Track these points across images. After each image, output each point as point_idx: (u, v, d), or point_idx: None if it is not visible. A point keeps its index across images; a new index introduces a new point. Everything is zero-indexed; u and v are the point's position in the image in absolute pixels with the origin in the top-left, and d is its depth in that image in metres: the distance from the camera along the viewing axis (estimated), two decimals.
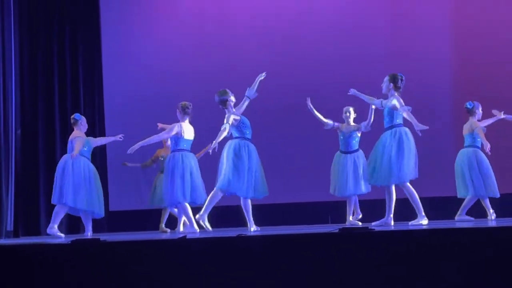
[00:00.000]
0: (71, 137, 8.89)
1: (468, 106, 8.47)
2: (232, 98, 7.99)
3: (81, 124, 8.92)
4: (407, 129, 7.70)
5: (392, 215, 7.71)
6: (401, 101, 7.70)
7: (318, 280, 5.57)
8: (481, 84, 9.88)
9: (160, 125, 8.92)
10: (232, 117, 7.88)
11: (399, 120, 7.71)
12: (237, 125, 7.91)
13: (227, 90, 8.01)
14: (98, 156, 10.81)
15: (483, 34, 10.16)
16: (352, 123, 8.94)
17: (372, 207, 8.57)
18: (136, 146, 8.26)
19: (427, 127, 7.57)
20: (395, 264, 5.49)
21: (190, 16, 10.94)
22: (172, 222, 9.35)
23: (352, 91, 8.33)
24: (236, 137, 7.94)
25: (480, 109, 8.50)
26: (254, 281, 5.67)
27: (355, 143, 8.89)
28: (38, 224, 9.98)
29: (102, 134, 10.78)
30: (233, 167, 7.81)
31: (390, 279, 5.47)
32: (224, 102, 7.98)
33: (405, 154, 7.59)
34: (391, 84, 7.80)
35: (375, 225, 7.65)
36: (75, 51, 10.84)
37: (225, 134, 7.95)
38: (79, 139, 8.76)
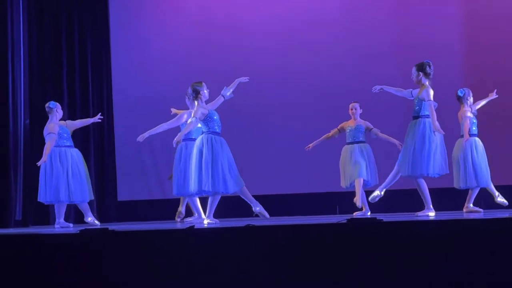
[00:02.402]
0: (44, 131, 8.74)
1: (460, 94, 8.34)
2: (206, 93, 7.87)
3: (56, 112, 8.77)
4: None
5: (431, 205, 7.67)
6: (431, 93, 7.58)
7: (326, 270, 5.58)
8: (491, 72, 9.84)
9: (173, 110, 8.89)
10: (200, 111, 7.74)
11: (427, 112, 7.61)
12: (204, 119, 7.76)
13: (203, 83, 7.93)
14: (107, 146, 10.86)
15: (494, 23, 10.11)
16: (358, 119, 8.98)
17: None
18: (146, 134, 8.26)
19: (443, 132, 7.53)
20: (403, 255, 5.48)
21: (199, 7, 10.94)
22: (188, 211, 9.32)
23: (378, 87, 8.22)
24: (203, 132, 7.80)
25: (471, 96, 8.40)
26: (261, 271, 5.67)
27: (362, 136, 8.89)
28: (47, 213, 10.01)
29: (111, 124, 10.81)
30: (198, 167, 7.67)
31: (398, 269, 5.47)
32: (196, 93, 7.85)
33: (425, 146, 7.54)
34: (420, 73, 7.71)
35: (418, 215, 7.60)
36: (83, 41, 10.85)
37: (191, 127, 7.89)
38: (50, 139, 8.60)
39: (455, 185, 8.32)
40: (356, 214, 8.77)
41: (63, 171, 8.66)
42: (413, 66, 7.80)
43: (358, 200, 8.77)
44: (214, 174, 7.59)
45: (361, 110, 9.01)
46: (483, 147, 8.28)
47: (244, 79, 7.96)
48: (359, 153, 8.84)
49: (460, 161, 8.22)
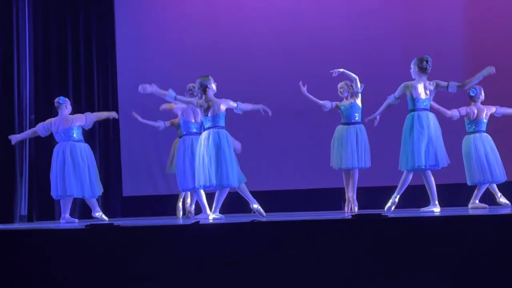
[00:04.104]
0: (71, 124, 8.66)
1: (471, 94, 8.31)
2: (213, 86, 7.85)
3: (65, 108, 8.76)
4: (423, 113, 7.63)
5: (436, 201, 7.67)
6: (401, 88, 7.65)
7: (331, 266, 5.58)
8: (495, 64, 9.81)
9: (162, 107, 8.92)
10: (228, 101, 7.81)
11: (418, 105, 7.63)
12: (215, 114, 7.74)
13: (210, 77, 7.89)
14: (112, 141, 10.88)
15: (497, 15, 10.07)
16: (350, 98, 8.82)
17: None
18: (151, 88, 7.95)
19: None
20: (408, 251, 5.49)
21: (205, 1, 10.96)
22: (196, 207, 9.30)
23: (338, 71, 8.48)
24: (209, 127, 7.74)
25: (483, 93, 8.38)
26: (265, 267, 5.68)
27: (357, 115, 8.80)
28: (52, 208, 10.03)
29: (116, 119, 10.81)
30: (208, 161, 7.64)
31: (403, 265, 5.47)
32: (204, 88, 7.81)
33: (414, 139, 7.56)
34: (416, 67, 7.74)
35: (422, 211, 7.60)
36: (88, 36, 10.86)
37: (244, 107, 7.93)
38: (90, 115, 8.70)
39: (468, 182, 8.28)
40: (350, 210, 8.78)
41: (73, 166, 8.66)
42: (414, 58, 7.81)
43: (349, 194, 8.76)
44: (225, 168, 7.61)
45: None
46: (494, 144, 8.27)
47: (266, 110, 8.11)
48: (354, 136, 8.74)
49: (473, 156, 8.18)
